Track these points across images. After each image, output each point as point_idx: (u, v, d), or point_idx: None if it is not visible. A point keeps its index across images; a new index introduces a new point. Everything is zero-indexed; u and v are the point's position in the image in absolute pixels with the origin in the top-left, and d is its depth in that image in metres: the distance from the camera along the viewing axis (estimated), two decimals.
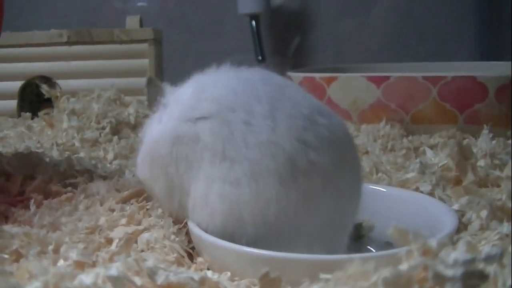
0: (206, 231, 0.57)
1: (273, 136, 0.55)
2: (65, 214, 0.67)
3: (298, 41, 1.95)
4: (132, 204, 0.69)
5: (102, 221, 0.64)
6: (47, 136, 1.16)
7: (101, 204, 0.70)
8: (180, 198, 0.61)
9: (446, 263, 0.37)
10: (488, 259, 0.38)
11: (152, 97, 0.66)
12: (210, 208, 0.57)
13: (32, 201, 0.70)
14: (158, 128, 0.63)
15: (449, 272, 0.36)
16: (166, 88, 0.66)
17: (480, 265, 0.37)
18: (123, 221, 0.64)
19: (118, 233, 0.61)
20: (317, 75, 1.23)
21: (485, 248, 0.39)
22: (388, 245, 0.63)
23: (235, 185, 0.55)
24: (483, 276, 0.37)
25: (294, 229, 0.55)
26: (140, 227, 0.62)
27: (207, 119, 0.58)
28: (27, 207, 0.69)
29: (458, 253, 0.37)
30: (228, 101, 0.58)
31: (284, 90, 0.60)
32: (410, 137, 1.09)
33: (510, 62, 1.23)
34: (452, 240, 0.55)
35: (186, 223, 0.61)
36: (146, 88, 0.68)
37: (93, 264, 0.54)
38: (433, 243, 0.40)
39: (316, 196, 0.55)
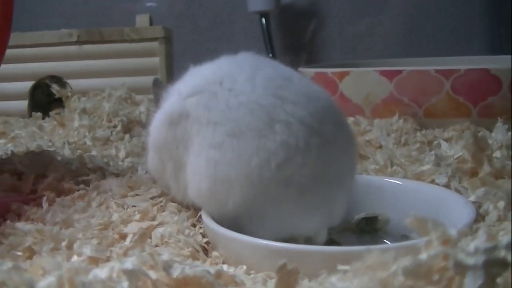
0: (198, 201, 0.60)
1: (252, 96, 0.57)
2: (78, 211, 0.67)
3: (314, 27, 1.94)
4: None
5: (115, 217, 0.64)
6: (59, 135, 1.16)
7: (114, 201, 0.70)
8: (184, 178, 0.62)
9: (467, 251, 0.36)
10: (510, 247, 0.37)
11: (158, 96, 0.69)
12: (198, 175, 0.59)
13: (45, 198, 0.70)
14: (156, 118, 0.66)
15: (470, 261, 0.36)
16: (170, 88, 0.68)
17: (502, 253, 0.37)
18: (137, 216, 0.64)
19: (132, 228, 0.61)
20: (329, 70, 1.22)
21: (505, 237, 0.38)
22: (404, 238, 0.62)
23: (218, 147, 0.57)
24: (505, 264, 0.36)
25: (280, 183, 0.55)
26: (154, 222, 0.62)
27: (195, 94, 0.61)
28: (39, 205, 0.69)
29: (479, 242, 0.37)
30: (215, 76, 0.61)
31: (265, 61, 0.64)
32: (423, 131, 1.08)
33: None
34: (471, 231, 0.54)
35: (200, 217, 0.61)
36: (152, 88, 0.71)
37: (107, 260, 0.54)
38: (453, 232, 0.39)
39: (299, 145, 0.55)
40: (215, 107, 0.58)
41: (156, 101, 0.70)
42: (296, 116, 0.56)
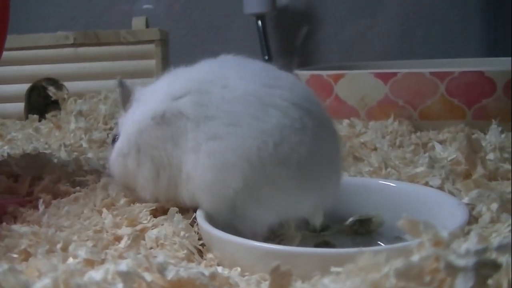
0: (199, 196, 0.61)
1: (245, 89, 0.61)
2: (74, 213, 0.67)
3: (306, 31, 1.95)
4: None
5: (110, 219, 0.64)
6: (55, 138, 1.16)
7: (110, 203, 0.70)
8: (169, 177, 0.64)
9: (458, 253, 0.36)
10: (500, 248, 0.37)
11: (124, 97, 0.70)
12: (200, 169, 0.60)
13: (41, 201, 0.70)
14: (136, 119, 0.66)
15: (461, 262, 0.36)
16: (136, 88, 0.70)
17: (493, 255, 0.37)
18: (132, 219, 0.64)
19: (127, 230, 0.61)
20: (324, 73, 1.23)
21: (496, 239, 0.39)
22: (398, 240, 0.62)
23: (217, 138, 0.59)
24: (495, 266, 0.36)
25: (279, 162, 0.58)
26: (149, 224, 0.62)
27: (187, 95, 0.63)
28: (35, 207, 0.69)
29: (470, 243, 0.37)
30: (204, 76, 0.64)
31: (247, 59, 0.66)
32: (418, 133, 1.09)
33: None
34: (463, 233, 0.55)
35: (195, 219, 0.61)
36: (117, 89, 0.71)
37: (102, 262, 0.54)
38: (444, 233, 0.39)
39: (295, 126, 0.58)
40: (210, 104, 0.61)
41: (124, 101, 0.71)
42: (287, 99, 0.59)
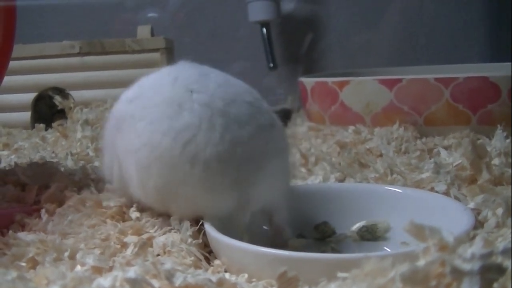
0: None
1: (170, 93, 0.63)
2: (80, 221, 0.67)
3: (310, 38, 1.95)
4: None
5: (117, 226, 0.64)
6: (62, 147, 1.16)
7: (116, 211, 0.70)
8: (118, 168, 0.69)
9: (464, 257, 0.37)
10: (506, 252, 0.38)
11: None
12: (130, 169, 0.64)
13: (43, 210, 0.70)
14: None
15: (466, 267, 0.36)
16: None
17: (498, 259, 0.37)
18: (140, 226, 0.64)
19: (134, 238, 0.61)
20: (329, 80, 1.23)
21: (501, 243, 0.39)
22: (404, 245, 0.62)
23: (139, 136, 0.62)
24: (501, 270, 0.36)
25: (187, 161, 0.59)
26: (157, 232, 0.62)
27: (135, 99, 0.67)
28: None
29: (475, 248, 0.37)
30: (151, 82, 0.68)
31: (192, 65, 0.68)
32: (423, 139, 1.09)
33: None
34: (469, 237, 0.55)
35: (202, 225, 0.61)
36: None
37: (110, 269, 0.54)
38: (449, 238, 0.39)
39: (203, 125, 0.59)
40: (142, 106, 0.64)
41: None
42: (200, 101, 0.61)
